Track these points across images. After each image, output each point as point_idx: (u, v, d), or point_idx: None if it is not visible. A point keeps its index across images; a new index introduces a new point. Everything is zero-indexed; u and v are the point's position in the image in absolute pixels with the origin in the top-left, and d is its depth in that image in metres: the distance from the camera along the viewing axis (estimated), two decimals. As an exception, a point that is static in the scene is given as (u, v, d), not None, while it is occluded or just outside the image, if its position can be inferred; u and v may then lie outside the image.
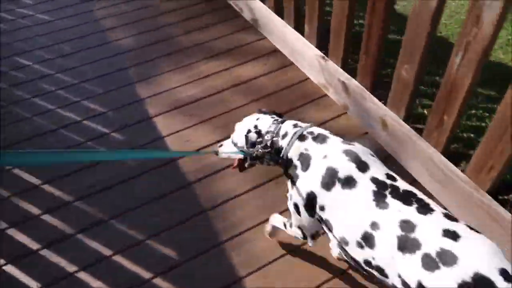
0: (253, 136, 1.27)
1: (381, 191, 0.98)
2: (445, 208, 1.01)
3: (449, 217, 0.93)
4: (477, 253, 0.84)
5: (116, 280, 1.77)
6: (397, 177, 1.05)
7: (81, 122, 2.52)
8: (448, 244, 0.85)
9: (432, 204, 0.96)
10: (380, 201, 0.97)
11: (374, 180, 1.01)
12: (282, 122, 1.29)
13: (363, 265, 1.02)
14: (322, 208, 1.10)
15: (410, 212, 0.93)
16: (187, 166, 2.20)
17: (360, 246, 0.99)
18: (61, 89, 2.76)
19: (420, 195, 0.99)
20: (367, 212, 0.98)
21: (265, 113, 1.38)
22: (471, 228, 0.90)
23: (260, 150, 1.22)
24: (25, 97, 2.71)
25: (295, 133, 1.21)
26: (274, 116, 1.36)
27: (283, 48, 2.91)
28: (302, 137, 1.19)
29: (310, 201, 1.13)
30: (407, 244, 0.89)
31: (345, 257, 1.16)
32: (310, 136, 1.18)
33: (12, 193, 2.13)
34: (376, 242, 0.95)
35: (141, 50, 3.06)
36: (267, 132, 1.26)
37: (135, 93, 2.70)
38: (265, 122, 1.30)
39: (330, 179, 1.06)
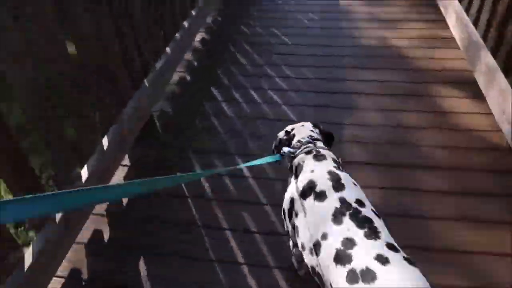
0: (281, 134, 1.48)
1: (342, 210, 1.08)
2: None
3: (390, 246, 0.99)
4: (396, 279, 0.90)
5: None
6: (367, 205, 1.12)
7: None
8: (375, 266, 0.93)
9: (382, 234, 1.02)
10: (338, 218, 1.07)
11: (342, 199, 1.11)
12: (315, 140, 1.39)
13: (311, 270, 1.14)
14: (296, 214, 1.21)
15: (357, 233, 1.02)
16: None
17: (311, 252, 1.11)
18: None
19: (376, 223, 1.05)
20: (323, 224, 1.08)
21: (314, 125, 1.49)
22: (408, 260, 0.96)
23: (286, 151, 1.36)
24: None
25: (307, 147, 1.33)
26: (316, 132, 1.45)
27: None
28: (308, 152, 1.32)
29: (291, 207, 1.25)
30: (341, 258, 0.99)
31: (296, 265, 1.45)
32: (313, 153, 1.31)
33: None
34: (321, 250, 1.06)
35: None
36: (298, 141, 1.38)
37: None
38: (303, 132, 1.43)
39: (308, 190, 1.18)
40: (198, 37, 3.41)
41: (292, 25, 3.53)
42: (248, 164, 1.28)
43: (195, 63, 3.06)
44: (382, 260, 0.93)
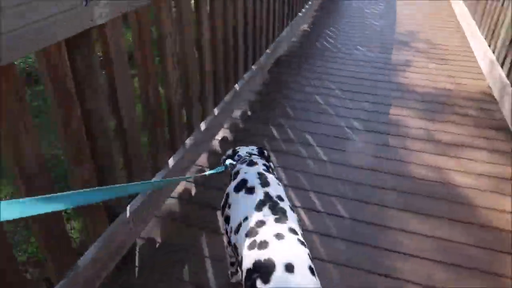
0: (229, 151, 1.76)
1: (265, 201, 1.36)
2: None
3: (291, 230, 1.24)
4: (282, 249, 1.16)
5: None
6: (286, 200, 1.40)
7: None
8: (271, 239, 1.20)
9: (289, 221, 1.28)
10: (259, 206, 1.34)
11: (266, 194, 1.39)
12: (252, 154, 1.68)
13: (233, 246, 1.37)
14: (229, 206, 1.46)
15: (269, 218, 1.28)
16: None
17: (236, 232, 1.34)
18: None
19: (288, 214, 1.32)
20: (248, 210, 1.35)
21: (259, 149, 1.76)
22: (302, 242, 1.22)
23: (227, 163, 1.65)
24: None
25: (244, 160, 1.62)
26: (256, 152, 1.73)
27: None
28: (244, 162, 1.60)
29: (226, 200, 1.51)
30: (251, 232, 1.26)
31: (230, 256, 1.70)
32: (247, 161, 1.59)
33: None
34: (241, 229, 1.31)
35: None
36: (239, 155, 1.68)
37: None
38: (244, 150, 1.72)
39: (241, 186, 1.46)
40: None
41: (326, 132, 2.94)
42: (201, 174, 1.69)
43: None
44: (279, 237, 1.20)
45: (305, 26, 5.18)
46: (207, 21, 2.32)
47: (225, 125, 2.95)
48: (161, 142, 2.03)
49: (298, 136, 2.88)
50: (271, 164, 1.67)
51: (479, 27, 4.39)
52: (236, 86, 2.97)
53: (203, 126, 2.48)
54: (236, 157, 1.67)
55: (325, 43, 4.68)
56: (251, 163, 1.57)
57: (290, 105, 3.29)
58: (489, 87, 3.61)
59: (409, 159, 2.64)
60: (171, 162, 2.14)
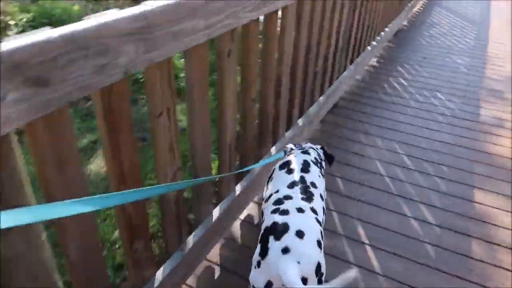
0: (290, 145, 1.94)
1: (297, 183, 1.54)
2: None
3: (313, 210, 1.42)
4: (298, 221, 1.33)
5: None
6: (319, 188, 1.58)
7: None
8: (292, 210, 1.38)
9: (314, 203, 1.47)
10: (292, 185, 1.54)
11: (302, 178, 1.57)
12: (310, 148, 1.88)
13: (261, 214, 1.64)
14: (271, 179, 1.70)
15: (297, 196, 1.47)
16: None
17: (266, 201, 1.58)
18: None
19: (315, 197, 1.50)
20: (281, 186, 1.55)
21: (321, 147, 1.95)
22: (318, 221, 1.40)
23: (288, 147, 1.90)
24: None
25: (303, 148, 1.84)
26: (317, 148, 1.92)
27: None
28: (300, 149, 1.84)
29: (271, 175, 1.76)
30: (277, 202, 1.46)
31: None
32: (302, 150, 1.82)
33: None
34: (270, 199, 1.52)
35: None
36: (301, 147, 1.87)
37: None
38: (309, 145, 1.90)
39: (285, 166, 1.68)
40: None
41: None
42: (260, 164, 1.66)
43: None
44: (300, 210, 1.39)
45: (373, 61, 4.43)
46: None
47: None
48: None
49: (345, 228, 2.20)
50: (323, 162, 1.85)
51: None
52: (272, 150, 2.35)
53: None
54: (298, 146, 1.88)
55: (395, 84, 3.92)
56: (304, 152, 1.79)
57: (341, 175, 2.61)
58: None
59: None
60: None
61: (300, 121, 2.66)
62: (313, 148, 1.86)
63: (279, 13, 1.93)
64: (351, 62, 3.60)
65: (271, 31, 1.92)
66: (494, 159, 2.82)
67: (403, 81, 4.00)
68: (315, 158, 1.76)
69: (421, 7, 6.84)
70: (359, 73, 4.01)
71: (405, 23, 5.75)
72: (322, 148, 1.92)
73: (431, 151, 2.88)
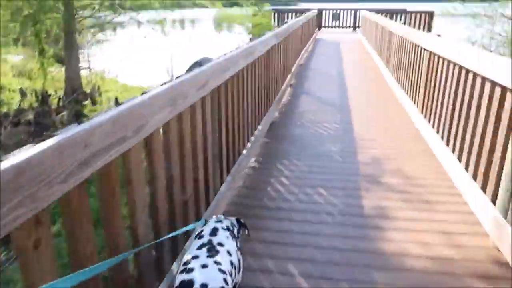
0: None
1: (206, 244, 1.76)
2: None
3: (216, 262, 1.65)
4: (202, 274, 1.57)
5: None
6: (225, 247, 1.78)
7: None
8: (197, 267, 1.62)
9: (218, 257, 1.69)
10: (200, 247, 1.76)
11: (209, 240, 1.80)
12: (226, 219, 2.11)
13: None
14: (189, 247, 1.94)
15: (202, 254, 1.70)
16: None
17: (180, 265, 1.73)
18: None
19: (221, 253, 1.73)
20: (192, 249, 1.76)
21: (236, 219, 2.17)
22: (222, 271, 1.62)
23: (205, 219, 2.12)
24: None
25: (218, 218, 2.07)
26: (234, 220, 2.17)
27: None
28: (215, 219, 2.06)
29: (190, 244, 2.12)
30: (185, 263, 1.66)
31: None
32: (216, 220, 2.04)
33: None
34: (181, 262, 1.72)
35: None
36: (218, 218, 2.09)
37: None
38: (223, 217, 2.12)
39: (197, 234, 1.91)
40: None
41: None
42: (180, 231, 1.95)
43: None
44: (204, 266, 1.62)
45: (252, 161, 4.28)
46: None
47: None
48: None
49: None
50: (235, 229, 2.05)
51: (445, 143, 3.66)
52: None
53: None
54: (215, 218, 2.06)
55: (278, 186, 3.75)
56: (218, 221, 2.00)
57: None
58: (497, 248, 2.71)
59: None
60: None
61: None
62: (227, 219, 2.07)
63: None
64: (228, 172, 3.36)
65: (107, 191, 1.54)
66: (389, 260, 2.68)
67: (284, 180, 3.87)
68: (226, 226, 1.96)
69: (289, 96, 7.18)
70: (238, 182, 3.76)
71: (276, 114, 5.87)
72: (237, 219, 2.15)
73: (328, 264, 2.63)
